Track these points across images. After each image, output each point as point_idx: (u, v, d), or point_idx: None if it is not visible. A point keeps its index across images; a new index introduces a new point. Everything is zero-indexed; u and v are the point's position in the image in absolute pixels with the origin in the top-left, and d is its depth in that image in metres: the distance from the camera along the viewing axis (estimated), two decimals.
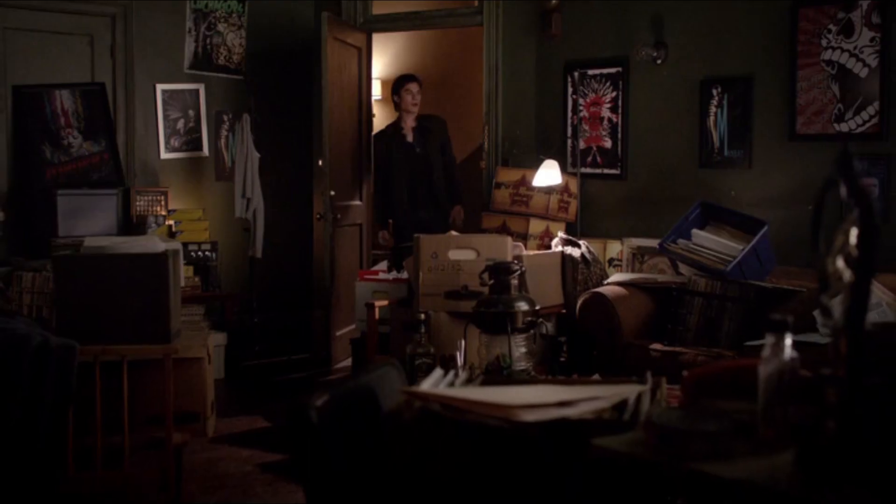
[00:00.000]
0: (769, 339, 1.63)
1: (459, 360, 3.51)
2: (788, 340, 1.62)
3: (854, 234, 1.47)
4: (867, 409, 1.44)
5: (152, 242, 3.68)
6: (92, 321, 3.21)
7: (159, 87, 6.38)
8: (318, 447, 1.83)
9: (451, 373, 2.07)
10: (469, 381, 2.08)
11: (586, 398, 1.83)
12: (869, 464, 1.42)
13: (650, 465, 1.58)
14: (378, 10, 6.90)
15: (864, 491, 1.41)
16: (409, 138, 6.33)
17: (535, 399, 1.79)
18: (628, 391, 1.90)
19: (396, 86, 6.36)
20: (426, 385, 1.96)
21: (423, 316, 3.74)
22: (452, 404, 1.80)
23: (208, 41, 6.57)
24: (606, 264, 5.53)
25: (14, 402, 3.03)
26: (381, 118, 8.41)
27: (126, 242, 3.55)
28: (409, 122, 6.33)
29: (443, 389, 1.91)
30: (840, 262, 1.50)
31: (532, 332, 3.70)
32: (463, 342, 3.65)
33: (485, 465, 1.74)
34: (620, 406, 1.85)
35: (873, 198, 1.47)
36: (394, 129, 6.39)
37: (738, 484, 1.51)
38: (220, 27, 6.62)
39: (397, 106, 6.36)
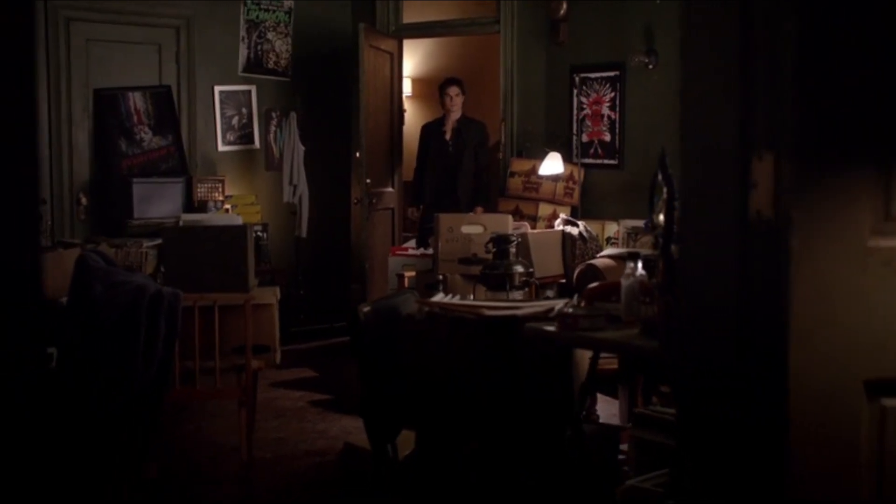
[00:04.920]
0: (629, 264, 2.94)
1: None
2: (640, 265, 2.93)
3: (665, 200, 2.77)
4: (673, 301, 2.73)
5: (233, 219, 5.04)
6: (191, 275, 4.57)
7: (217, 89, 7.54)
8: (363, 335, 3.16)
9: (450, 294, 3.40)
10: (461, 299, 3.40)
11: (530, 305, 3.15)
12: (671, 329, 2.71)
13: (554, 337, 2.89)
14: (409, 17, 8.09)
15: (663, 340, 2.71)
16: (447, 136, 7.29)
17: (497, 304, 3.11)
18: (558, 302, 3.21)
19: (441, 87, 7.34)
20: (433, 299, 3.29)
21: (441, 277, 5.05)
22: (447, 307, 3.13)
23: (259, 48, 7.80)
24: (605, 242, 6.76)
25: (137, 337, 4.38)
26: (411, 114, 9.69)
27: (211, 218, 4.89)
28: (451, 122, 7.27)
29: (443, 300, 3.24)
30: (661, 217, 2.80)
31: (526, 289, 5.00)
32: (472, 297, 4.95)
33: (463, 343, 3.07)
34: (551, 310, 3.16)
35: (674, 180, 2.75)
36: (437, 124, 7.40)
37: (605, 341, 2.83)
38: (270, 35, 7.85)
39: (443, 104, 7.32)
